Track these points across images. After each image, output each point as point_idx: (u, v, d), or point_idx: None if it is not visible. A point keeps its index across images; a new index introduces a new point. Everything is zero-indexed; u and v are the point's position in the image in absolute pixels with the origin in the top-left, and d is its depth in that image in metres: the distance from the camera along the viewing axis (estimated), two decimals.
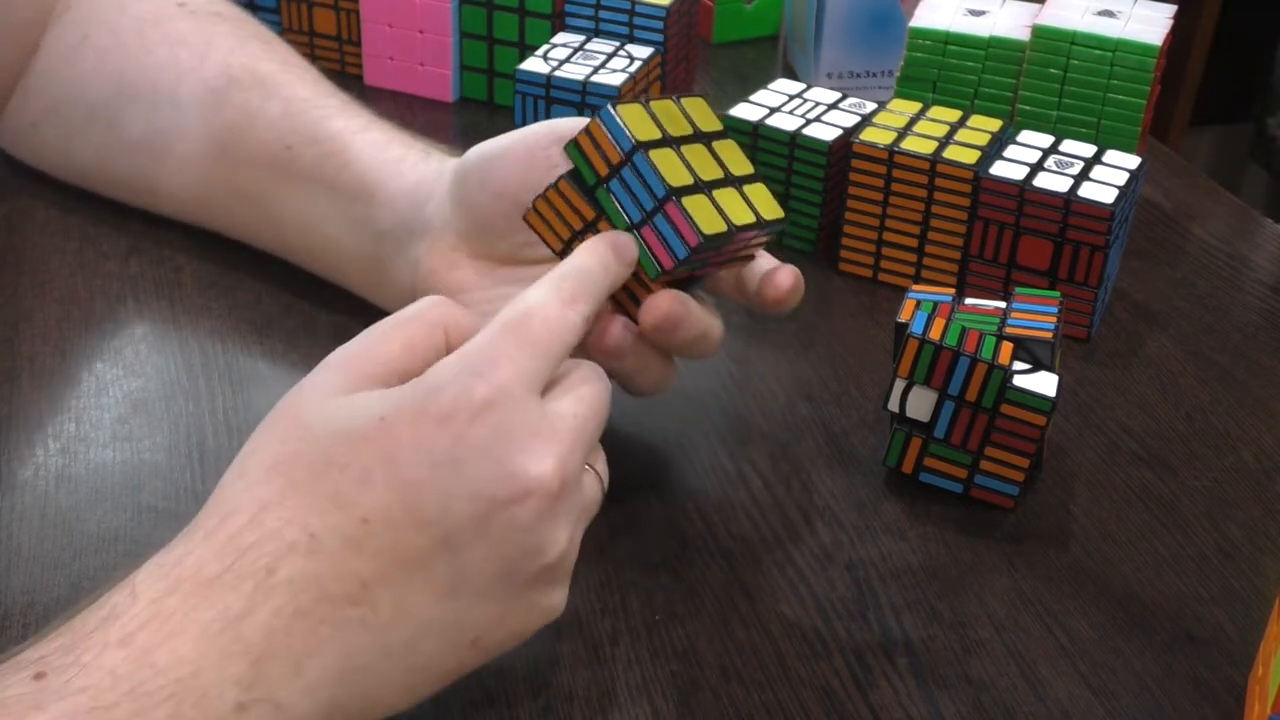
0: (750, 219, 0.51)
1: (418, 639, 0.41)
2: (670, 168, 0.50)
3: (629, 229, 0.50)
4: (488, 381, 0.42)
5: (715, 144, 0.52)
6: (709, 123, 0.53)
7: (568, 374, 0.46)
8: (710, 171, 0.51)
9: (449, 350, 0.46)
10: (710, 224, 0.49)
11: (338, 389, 0.43)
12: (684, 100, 0.53)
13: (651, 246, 0.50)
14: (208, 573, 0.39)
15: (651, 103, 0.51)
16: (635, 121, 0.50)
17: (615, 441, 0.51)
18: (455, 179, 0.58)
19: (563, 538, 0.43)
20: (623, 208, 0.50)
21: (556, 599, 0.44)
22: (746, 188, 0.52)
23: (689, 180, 0.50)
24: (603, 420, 0.46)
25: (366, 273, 0.63)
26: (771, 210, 0.52)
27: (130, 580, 0.40)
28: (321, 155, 0.63)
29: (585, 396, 0.45)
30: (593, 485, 0.46)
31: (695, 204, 0.49)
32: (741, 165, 0.53)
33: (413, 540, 0.41)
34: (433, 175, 0.60)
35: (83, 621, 0.39)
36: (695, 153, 0.51)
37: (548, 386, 0.45)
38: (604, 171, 0.50)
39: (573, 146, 0.50)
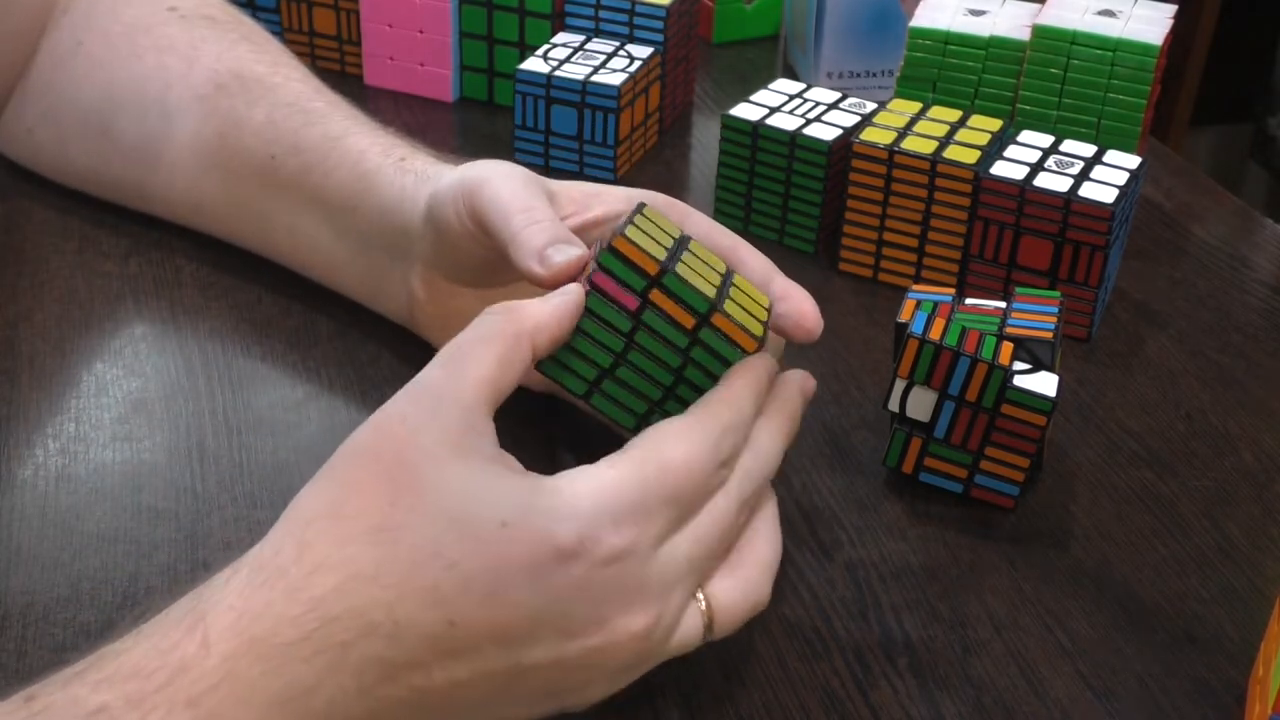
0: (764, 308, 0.50)
1: (456, 718, 0.42)
2: (697, 277, 0.47)
3: (680, 364, 0.48)
4: (622, 536, 0.41)
5: (693, 244, 0.50)
6: (672, 228, 0.50)
7: (695, 507, 0.44)
8: (707, 275, 0.49)
9: (535, 357, 0.45)
10: (753, 323, 0.48)
11: (453, 439, 0.41)
12: (634, 219, 0.49)
13: (706, 364, 0.48)
14: (285, 637, 0.38)
15: (620, 238, 0.47)
16: (647, 244, 0.47)
17: (615, 441, 0.51)
18: (431, 205, 0.56)
19: (616, 686, 0.43)
20: (666, 339, 0.47)
21: (582, 707, 0.44)
22: (735, 285, 0.49)
23: (717, 281, 0.48)
24: (722, 542, 0.44)
25: (362, 284, 0.63)
26: (762, 301, 0.50)
27: (202, 621, 0.38)
28: (303, 166, 0.62)
29: (702, 533, 0.43)
30: (687, 624, 0.44)
31: (734, 306, 0.48)
32: (719, 263, 0.50)
33: (489, 654, 0.40)
34: (410, 191, 0.58)
35: (149, 665, 0.37)
36: (693, 259, 0.49)
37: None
38: (633, 305, 0.47)
39: (593, 292, 0.47)
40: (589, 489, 0.41)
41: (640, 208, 0.49)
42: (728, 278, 0.49)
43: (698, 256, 0.49)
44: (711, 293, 0.47)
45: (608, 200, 0.54)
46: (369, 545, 0.39)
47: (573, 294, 0.46)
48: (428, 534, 0.39)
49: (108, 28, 0.70)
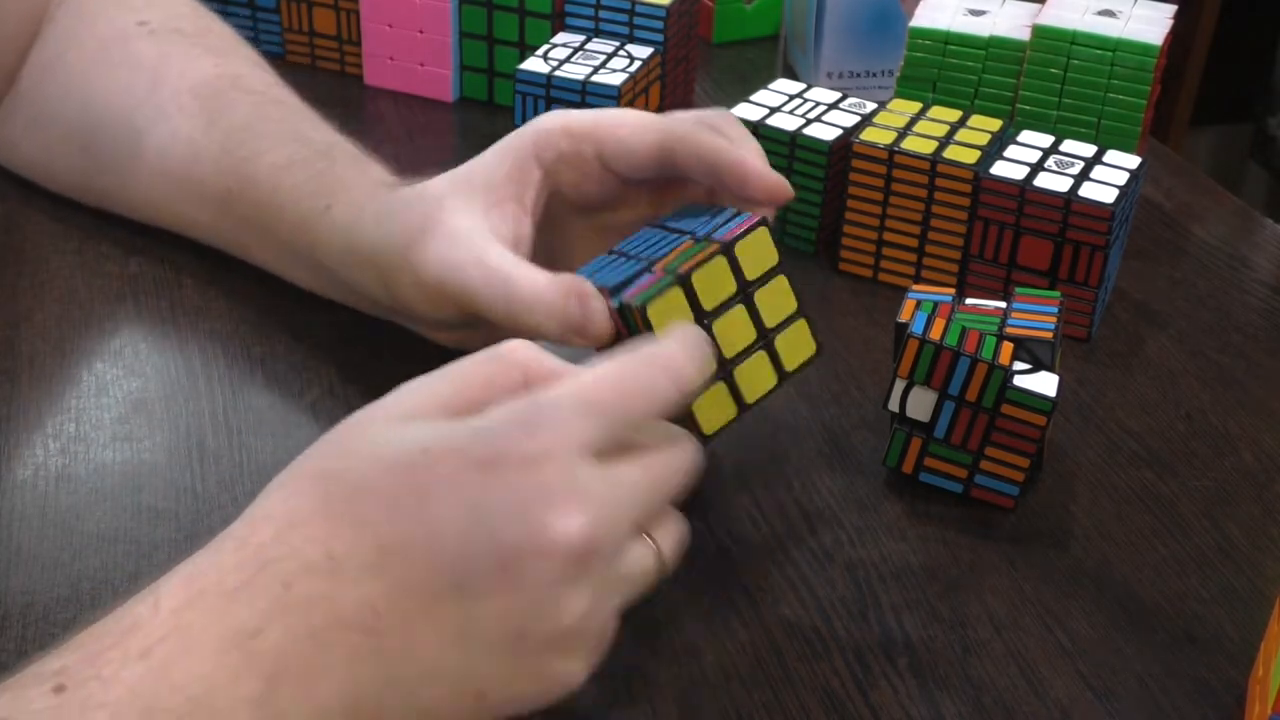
0: (761, 391, 0.51)
1: (424, 681, 0.41)
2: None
3: None
4: (537, 440, 0.41)
5: (760, 292, 0.51)
6: (762, 262, 0.51)
7: (646, 439, 0.44)
8: (738, 342, 0.50)
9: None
10: (711, 421, 0.50)
11: (401, 414, 0.43)
12: (740, 244, 0.50)
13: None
14: (228, 585, 0.39)
15: (695, 275, 0.49)
16: (667, 312, 0.48)
17: None
18: (383, 285, 0.56)
19: (581, 606, 0.41)
20: None
21: (573, 671, 0.42)
22: (780, 338, 0.51)
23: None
24: (672, 491, 0.45)
25: (351, 301, 0.63)
26: (800, 353, 0.52)
27: (155, 589, 0.40)
28: (256, 203, 0.62)
29: (654, 465, 0.44)
30: (642, 558, 0.44)
31: (706, 403, 0.50)
32: (780, 310, 0.51)
33: (428, 578, 0.40)
34: (347, 257, 0.58)
35: (105, 630, 0.39)
36: (727, 323, 0.50)
37: (619, 448, 0.43)
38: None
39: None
40: (509, 406, 0.42)
41: (753, 230, 0.50)
42: (771, 337, 0.51)
43: (753, 311, 0.51)
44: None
45: (528, 176, 0.54)
46: (305, 493, 0.41)
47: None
48: (356, 474, 0.41)
49: (83, 41, 0.70)
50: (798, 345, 0.52)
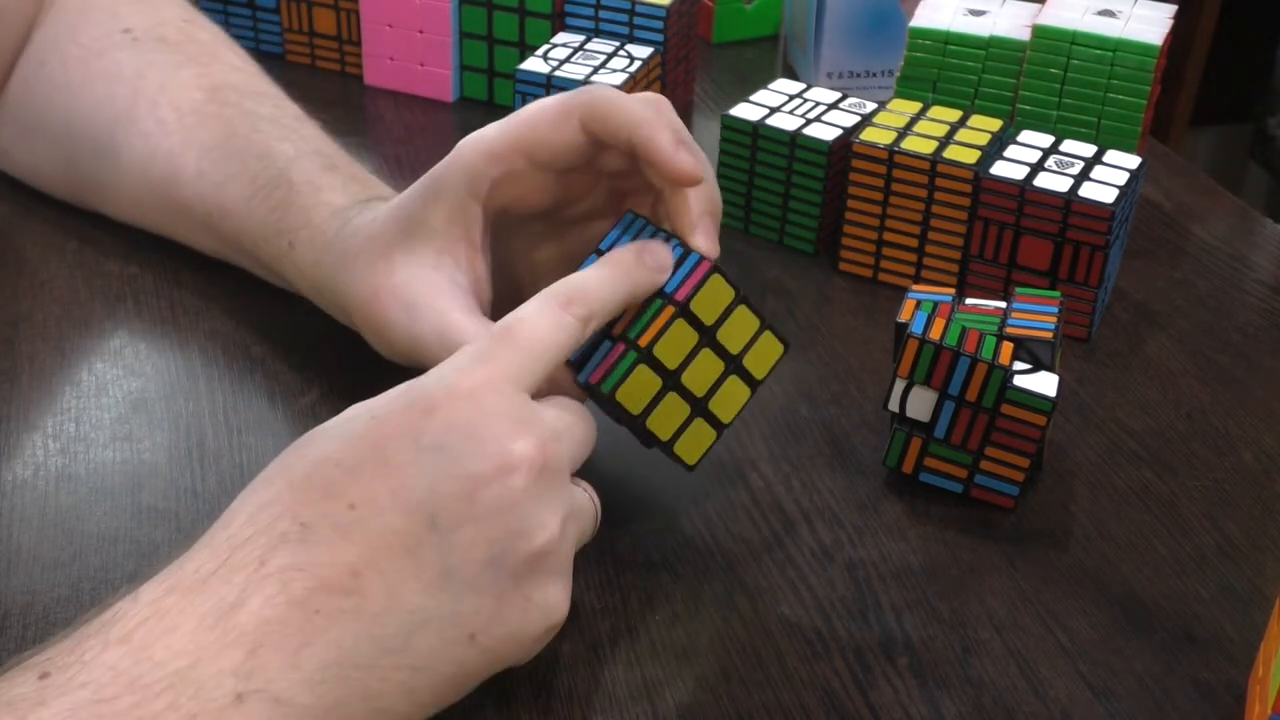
0: (736, 408, 0.52)
1: (412, 631, 0.41)
2: (673, 342, 0.50)
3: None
4: (470, 376, 0.44)
5: (722, 330, 0.51)
6: (719, 304, 0.51)
7: (555, 399, 0.48)
8: (710, 377, 0.51)
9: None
10: (691, 453, 0.52)
11: (378, 405, 0.45)
12: (695, 300, 0.50)
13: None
14: (205, 569, 0.40)
15: (657, 347, 0.50)
16: (637, 394, 0.50)
17: (616, 441, 0.51)
18: (355, 319, 0.57)
19: (551, 522, 0.43)
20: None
21: (553, 595, 0.44)
22: (748, 356, 0.52)
23: (671, 365, 0.50)
24: (585, 447, 0.47)
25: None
26: (769, 358, 0.53)
27: (135, 586, 0.41)
28: (235, 230, 0.63)
29: (568, 411, 0.47)
30: (584, 498, 0.47)
31: (687, 440, 0.52)
32: (744, 334, 0.52)
33: (400, 524, 0.41)
34: (316, 294, 0.59)
35: (86, 623, 0.39)
36: (696, 369, 0.51)
37: (535, 397, 0.46)
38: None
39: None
40: (440, 366, 0.45)
41: (709, 277, 0.50)
42: (740, 359, 0.52)
43: (717, 348, 0.51)
44: (668, 434, 0.51)
45: (467, 215, 0.54)
46: (269, 483, 0.43)
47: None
48: (315, 453, 0.43)
49: (65, 50, 0.70)
50: (766, 353, 0.52)
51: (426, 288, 0.53)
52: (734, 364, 0.52)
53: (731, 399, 0.52)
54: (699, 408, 0.51)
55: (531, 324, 0.46)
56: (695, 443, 0.52)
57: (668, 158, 0.51)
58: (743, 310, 0.51)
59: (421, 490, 0.42)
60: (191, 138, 0.65)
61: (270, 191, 0.61)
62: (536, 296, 0.48)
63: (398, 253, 0.54)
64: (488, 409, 0.43)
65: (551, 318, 0.47)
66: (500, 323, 0.47)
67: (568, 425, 0.46)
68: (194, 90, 0.67)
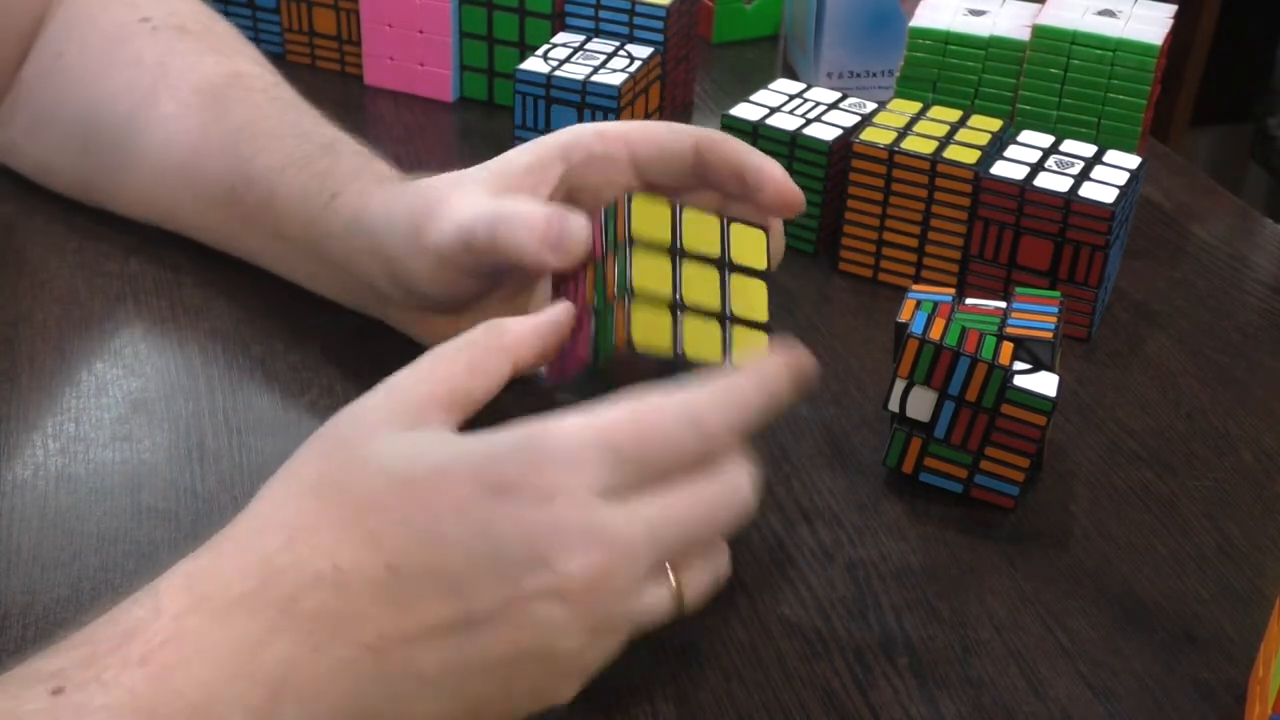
0: (764, 302, 0.49)
1: (422, 698, 0.41)
2: (703, 343, 0.48)
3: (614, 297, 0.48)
4: (550, 474, 0.40)
5: (736, 276, 0.50)
6: (749, 256, 0.50)
7: (672, 480, 0.43)
8: (709, 283, 0.49)
9: (515, 371, 0.46)
10: (648, 337, 0.47)
11: (402, 420, 0.42)
12: (737, 224, 0.51)
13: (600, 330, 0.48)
14: (233, 592, 0.39)
15: (688, 208, 0.50)
16: (653, 332, 0.47)
17: None
18: (388, 263, 0.56)
19: (580, 645, 0.41)
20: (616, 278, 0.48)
21: (565, 693, 0.43)
22: (739, 329, 0.49)
23: (718, 332, 0.48)
24: (711, 529, 0.44)
25: (351, 303, 0.63)
26: (757, 246, 0.51)
27: (154, 590, 0.39)
28: (259, 201, 0.62)
29: (673, 506, 0.42)
30: (657, 599, 0.43)
31: (741, 344, 0.48)
32: (750, 308, 0.50)
33: (432, 602, 0.40)
34: (353, 242, 0.57)
35: (103, 633, 0.38)
36: (695, 271, 0.49)
37: (648, 484, 0.42)
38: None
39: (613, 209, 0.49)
40: (524, 432, 0.41)
41: (630, 205, 0.49)
42: (725, 257, 0.50)
43: (695, 257, 0.49)
44: (718, 354, 0.48)
45: (552, 172, 0.54)
46: (311, 501, 0.41)
47: (558, 312, 0.47)
48: (367, 487, 0.41)
49: (84, 39, 0.70)
50: (749, 243, 0.51)
51: (482, 196, 0.52)
52: (724, 318, 0.49)
53: (704, 341, 0.48)
54: (725, 319, 0.49)
55: (641, 436, 0.42)
56: (652, 331, 0.48)
57: (783, 183, 0.52)
58: (693, 213, 0.50)
59: (464, 580, 0.40)
60: (218, 118, 0.65)
61: (310, 162, 0.61)
62: (666, 393, 0.43)
63: (467, 180, 0.54)
64: (557, 518, 0.40)
65: (668, 433, 0.42)
66: (612, 414, 0.42)
67: (664, 524, 0.42)
68: (218, 76, 0.67)
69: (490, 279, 0.55)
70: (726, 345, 0.48)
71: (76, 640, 0.38)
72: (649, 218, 0.49)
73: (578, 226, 0.49)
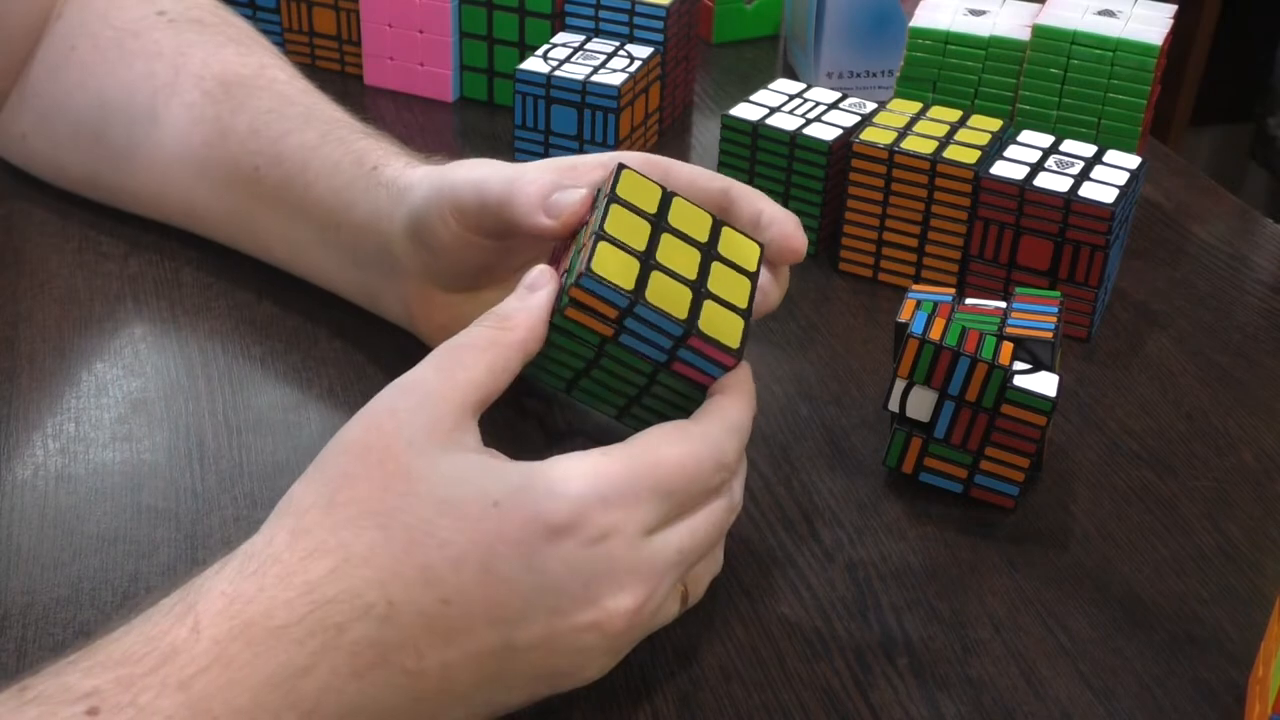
0: (746, 294, 0.49)
1: (450, 708, 0.42)
2: (669, 298, 0.46)
3: (655, 370, 0.47)
4: (610, 518, 0.42)
5: (718, 265, 0.49)
6: (736, 254, 0.50)
7: (691, 504, 0.45)
8: (688, 258, 0.48)
9: (525, 362, 0.46)
10: (731, 336, 0.47)
11: (441, 433, 0.42)
12: (728, 229, 0.50)
13: (688, 375, 0.47)
14: (278, 620, 0.39)
15: (679, 199, 0.49)
16: (616, 270, 0.45)
17: (617, 440, 0.51)
18: (412, 220, 0.56)
19: (607, 665, 0.44)
20: (644, 355, 0.47)
21: (581, 685, 0.45)
22: (722, 245, 0.49)
23: (689, 296, 0.47)
24: (713, 544, 0.46)
25: (358, 294, 0.63)
26: (721, 334, 0.47)
27: (192, 607, 0.39)
28: (285, 178, 0.62)
29: (698, 528, 0.45)
30: (669, 606, 0.45)
31: (711, 320, 0.47)
32: (733, 296, 0.48)
33: (480, 634, 0.41)
34: (386, 208, 0.57)
35: (141, 652, 0.38)
36: (677, 246, 0.48)
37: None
38: (609, 332, 0.46)
39: (565, 320, 0.46)
40: (579, 471, 0.42)
41: (619, 174, 0.49)
42: (712, 247, 0.49)
43: (678, 234, 0.48)
44: (684, 313, 0.46)
45: (585, 171, 0.53)
46: (362, 529, 0.40)
47: (541, 280, 0.47)
48: (420, 516, 0.40)
49: (98, 33, 0.70)
50: (741, 249, 0.50)
51: (506, 166, 0.53)
52: (709, 252, 0.49)
53: (673, 299, 0.46)
54: (699, 290, 0.47)
55: (688, 475, 0.44)
56: (724, 327, 0.47)
57: (792, 230, 0.52)
58: (685, 204, 0.49)
59: (514, 613, 0.41)
60: (244, 103, 0.65)
61: (347, 140, 0.61)
62: (708, 435, 0.45)
63: (503, 163, 0.54)
64: (610, 559, 0.42)
65: (708, 476, 0.45)
66: (660, 453, 0.44)
67: (689, 546, 0.44)
68: (239, 66, 0.67)
69: (499, 253, 0.55)
70: (695, 313, 0.46)
71: (111, 656, 0.38)
72: (637, 189, 0.49)
73: (574, 193, 0.50)
